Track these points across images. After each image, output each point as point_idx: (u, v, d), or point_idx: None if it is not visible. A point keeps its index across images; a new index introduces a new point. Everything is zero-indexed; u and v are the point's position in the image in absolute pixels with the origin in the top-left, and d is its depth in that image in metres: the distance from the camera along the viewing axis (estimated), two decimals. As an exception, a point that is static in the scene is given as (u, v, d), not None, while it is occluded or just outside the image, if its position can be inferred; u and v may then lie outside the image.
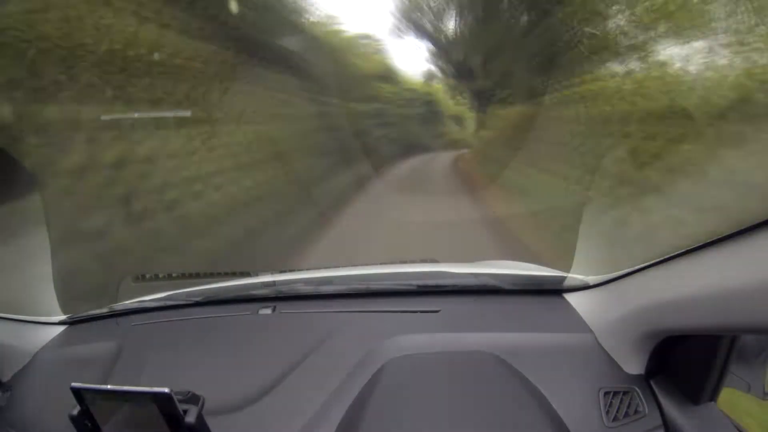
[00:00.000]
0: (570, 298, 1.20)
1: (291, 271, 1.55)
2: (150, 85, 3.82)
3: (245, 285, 1.48)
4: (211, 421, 0.81)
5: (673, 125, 3.43)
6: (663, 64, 3.94)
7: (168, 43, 4.12)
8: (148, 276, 1.69)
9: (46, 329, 1.41)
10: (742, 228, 0.65)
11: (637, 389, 0.93)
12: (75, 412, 0.80)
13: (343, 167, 7.53)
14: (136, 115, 3.56)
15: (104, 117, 3.20)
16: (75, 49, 3.13)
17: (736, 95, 2.95)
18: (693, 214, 2.69)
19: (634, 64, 4.40)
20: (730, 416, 0.89)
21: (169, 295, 1.45)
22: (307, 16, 7.98)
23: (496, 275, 1.32)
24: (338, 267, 1.56)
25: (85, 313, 1.46)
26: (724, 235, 0.68)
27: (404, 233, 4.31)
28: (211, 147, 4.47)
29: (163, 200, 3.62)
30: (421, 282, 1.32)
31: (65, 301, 1.56)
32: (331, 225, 5.03)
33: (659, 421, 0.90)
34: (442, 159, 12.49)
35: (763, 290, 0.61)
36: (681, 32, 3.69)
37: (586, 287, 1.17)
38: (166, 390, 0.75)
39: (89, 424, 0.81)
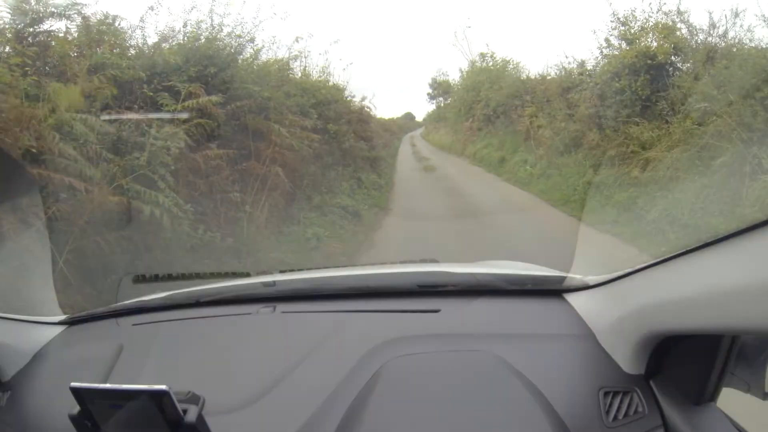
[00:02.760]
0: (570, 298, 1.19)
1: (291, 271, 1.55)
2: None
3: (245, 285, 1.47)
4: (211, 421, 0.80)
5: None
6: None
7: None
8: (147, 276, 1.69)
9: (46, 329, 1.40)
10: (743, 228, 0.65)
11: (637, 389, 0.93)
12: (75, 411, 0.80)
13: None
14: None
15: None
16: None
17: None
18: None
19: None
20: (729, 416, 0.89)
21: (169, 295, 1.45)
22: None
23: (496, 275, 1.32)
24: (338, 267, 1.56)
25: (85, 313, 1.46)
26: (724, 234, 0.68)
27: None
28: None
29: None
30: (421, 281, 1.32)
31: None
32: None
33: (659, 421, 0.89)
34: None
35: (762, 291, 0.61)
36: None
37: (585, 287, 1.17)
38: (164, 387, 0.75)
39: (89, 424, 0.80)
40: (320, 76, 9.27)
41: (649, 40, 7.80)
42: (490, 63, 15.08)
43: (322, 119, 8.07)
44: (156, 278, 1.70)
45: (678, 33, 7.61)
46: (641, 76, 7.31)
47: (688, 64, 7.40)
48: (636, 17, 8.11)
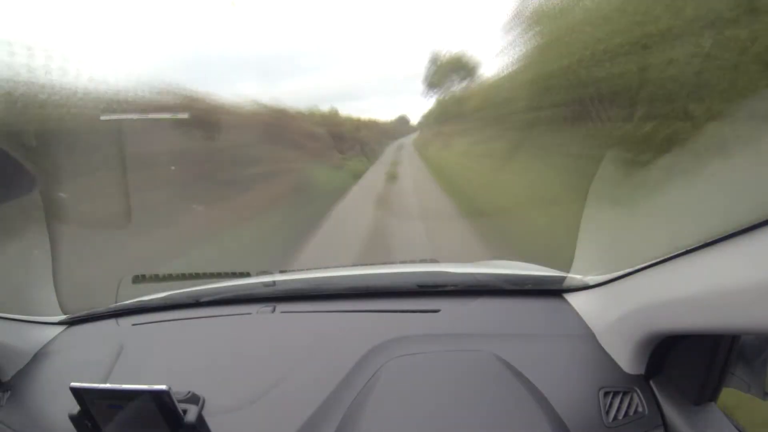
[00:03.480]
0: (570, 298, 1.20)
1: (291, 271, 1.55)
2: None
3: (245, 285, 1.48)
4: (211, 421, 0.80)
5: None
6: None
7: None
8: (147, 276, 1.69)
9: (46, 329, 1.40)
10: (742, 228, 0.65)
11: (637, 389, 0.93)
12: (75, 411, 0.80)
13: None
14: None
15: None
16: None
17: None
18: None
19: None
20: (730, 416, 0.89)
21: (169, 295, 1.45)
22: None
23: (496, 275, 1.31)
24: (338, 267, 1.56)
25: (85, 313, 1.46)
26: (724, 235, 0.68)
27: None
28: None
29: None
30: (421, 282, 1.32)
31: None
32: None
33: (659, 421, 0.90)
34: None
35: (762, 290, 0.61)
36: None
37: (585, 287, 1.17)
38: (164, 387, 0.75)
39: (89, 424, 0.80)
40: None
41: None
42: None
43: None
44: (156, 278, 1.70)
45: None
46: None
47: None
48: None
